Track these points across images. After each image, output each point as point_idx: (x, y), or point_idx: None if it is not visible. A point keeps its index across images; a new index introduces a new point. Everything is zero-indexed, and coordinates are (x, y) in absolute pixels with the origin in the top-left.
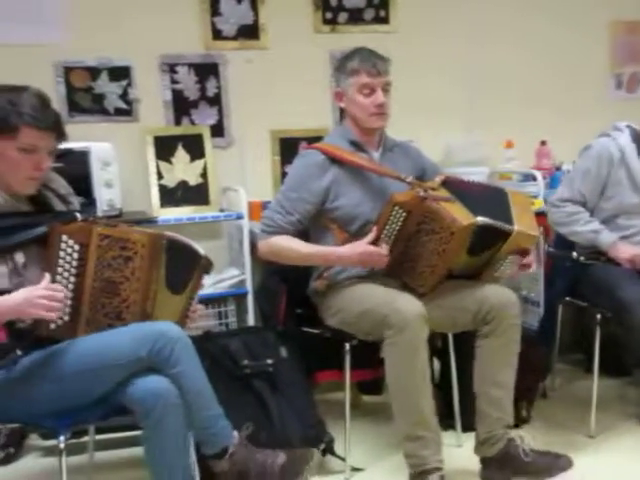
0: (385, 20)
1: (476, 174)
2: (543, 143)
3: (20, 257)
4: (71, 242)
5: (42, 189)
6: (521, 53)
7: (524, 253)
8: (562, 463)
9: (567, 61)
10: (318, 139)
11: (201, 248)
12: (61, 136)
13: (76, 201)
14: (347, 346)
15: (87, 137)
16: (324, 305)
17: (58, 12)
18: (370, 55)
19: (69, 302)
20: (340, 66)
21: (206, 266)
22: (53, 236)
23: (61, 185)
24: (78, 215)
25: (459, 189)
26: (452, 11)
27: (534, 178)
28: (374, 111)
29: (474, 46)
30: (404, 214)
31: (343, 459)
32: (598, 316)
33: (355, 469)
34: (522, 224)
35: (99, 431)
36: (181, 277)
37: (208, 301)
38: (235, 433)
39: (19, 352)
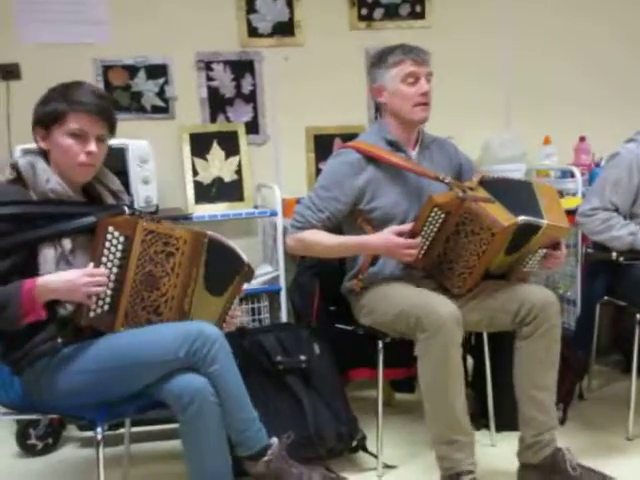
0: (421, 15)
1: (514, 171)
2: (582, 139)
3: (67, 243)
4: (117, 234)
5: (96, 183)
6: (559, 48)
7: (554, 246)
8: None
9: (606, 56)
10: (353, 136)
11: (244, 255)
12: (109, 123)
13: (127, 198)
14: (380, 344)
15: (125, 134)
16: (357, 304)
17: (96, 12)
18: (412, 47)
19: (110, 292)
20: (378, 61)
21: (248, 274)
22: (100, 227)
23: (114, 182)
24: (126, 209)
25: (496, 188)
26: (489, 6)
27: (572, 174)
28: (419, 100)
29: (511, 41)
30: (443, 215)
31: (375, 456)
32: (638, 316)
33: (387, 466)
34: (552, 217)
35: (135, 423)
36: (221, 279)
37: (241, 297)
38: (275, 440)
39: (60, 341)
